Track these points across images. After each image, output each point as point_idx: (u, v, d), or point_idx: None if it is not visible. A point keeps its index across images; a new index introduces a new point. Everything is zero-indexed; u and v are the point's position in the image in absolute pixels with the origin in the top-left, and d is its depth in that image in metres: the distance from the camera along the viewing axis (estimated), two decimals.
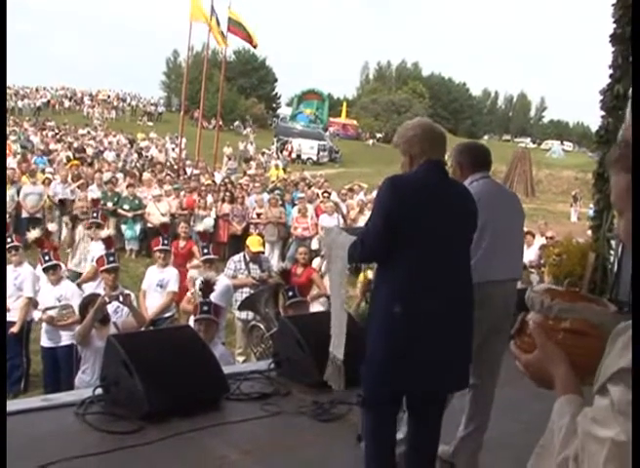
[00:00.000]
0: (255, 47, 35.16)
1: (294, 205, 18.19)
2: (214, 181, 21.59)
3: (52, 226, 10.42)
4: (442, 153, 4.11)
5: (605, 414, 1.34)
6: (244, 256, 10.05)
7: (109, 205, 16.81)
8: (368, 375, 3.96)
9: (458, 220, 3.98)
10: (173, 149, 39.26)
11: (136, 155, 34.01)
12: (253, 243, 10.28)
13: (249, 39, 33.46)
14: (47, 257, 8.64)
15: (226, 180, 22.58)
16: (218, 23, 32.03)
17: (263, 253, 11.25)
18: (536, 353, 1.69)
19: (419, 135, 4.02)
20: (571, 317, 1.69)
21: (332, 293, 4.74)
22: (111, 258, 8.31)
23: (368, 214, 16.47)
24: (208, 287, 7.65)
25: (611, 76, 9.45)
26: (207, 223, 15.44)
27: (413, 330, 3.80)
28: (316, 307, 9.75)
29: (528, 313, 1.80)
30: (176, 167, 28.32)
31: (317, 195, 19.58)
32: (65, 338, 8.31)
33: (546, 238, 13.83)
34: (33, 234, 9.36)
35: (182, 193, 18.52)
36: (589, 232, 10.36)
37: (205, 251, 9.69)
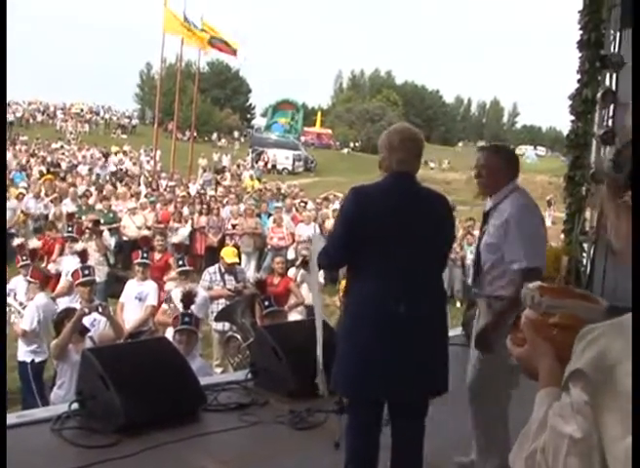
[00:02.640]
0: (235, 52, 35.04)
1: (269, 215, 18.22)
2: (188, 193, 21.59)
3: (34, 243, 10.50)
4: (414, 160, 4.09)
5: (567, 411, 1.39)
6: (219, 268, 10.05)
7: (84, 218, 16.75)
8: (338, 379, 4.01)
9: (429, 232, 3.99)
10: (147, 162, 39.16)
11: (110, 168, 33.88)
12: (227, 254, 10.28)
13: (227, 49, 33.47)
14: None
15: (201, 192, 22.60)
16: (200, 31, 32.01)
17: (239, 264, 11.26)
18: (525, 347, 1.73)
19: (393, 142, 4.03)
20: (560, 312, 1.73)
21: (314, 302, 4.81)
22: (87, 272, 8.30)
23: None
24: (189, 298, 7.66)
25: (579, 81, 9.55)
26: (181, 234, 15.45)
27: (376, 338, 3.84)
28: (294, 316, 9.76)
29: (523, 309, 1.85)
30: (150, 179, 28.25)
31: (295, 205, 19.66)
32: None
33: None
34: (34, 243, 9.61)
35: (158, 206, 18.50)
36: (562, 235, 10.45)
37: (180, 262, 9.71)
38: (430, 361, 3.95)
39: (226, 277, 9.90)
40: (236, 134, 70.35)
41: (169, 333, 7.63)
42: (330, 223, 17.32)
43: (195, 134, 42.76)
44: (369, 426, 4.05)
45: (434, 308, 4.04)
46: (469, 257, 16.36)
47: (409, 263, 3.90)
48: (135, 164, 37.50)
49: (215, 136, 65.85)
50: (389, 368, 3.83)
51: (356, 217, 3.90)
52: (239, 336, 8.39)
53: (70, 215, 14.84)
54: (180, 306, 7.89)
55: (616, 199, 1.46)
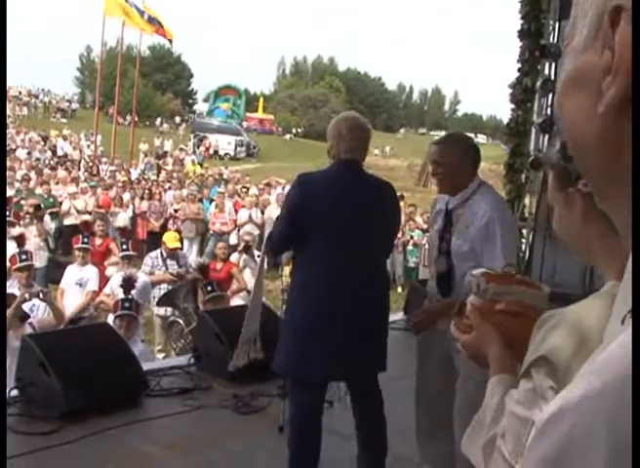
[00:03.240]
0: (170, 41, 34.75)
1: (211, 201, 18.14)
2: (129, 178, 21.38)
3: None
4: (361, 148, 4.16)
5: (528, 397, 1.41)
6: (161, 253, 9.98)
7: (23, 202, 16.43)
8: (281, 359, 4.07)
9: (376, 220, 4.08)
10: (88, 146, 38.57)
11: (49, 152, 33.31)
12: (169, 239, 10.22)
13: (164, 33, 33.13)
14: None
15: (143, 177, 22.39)
16: (141, 14, 31.56)
17: (181, 248, 11.19)
18: (473, 334, 1.75)
19: (341, 130, 4.08)
20: (505, 299, 1.75)
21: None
22: (24, 256, 8.18)
23: None
24: (129, 283, 7.61)
25: (519, 70, 9.69)
26: (123, 218, 15.31)
27: (315, 323, 3.94)
28: (236, 301, 9.74)
29: (467, 296, 1.86)
30: (91, 164, 27.85)
31: (237, 191, 19.63)
32: None
33: None
34: None
35: (99, 190, 18.27)
36: None
37: (124, 247, 9.69)
38: (371, 342, 4.03)
39: (168, 262, 9.84)
40: (177, 119, 69.60)
41: (110, 319, 7.58)
42: (271, 209, 17.33)
43: (136, 118, 42.26)
44: (311, 407, 4.12)
45: (378, 292, 4.14)
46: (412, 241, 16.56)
47: (355, 249, 3.97)
48: (75, 148, 36.90)
49: (158, 120, 65.11)
50: (332, 348, 3.92)
51: (300, 205, 3.96)
52: (181, 321, 8.37)
53: (8, 199, 14.55)
54: (120, 291, 7.85)
55: (565, 188, 1.48)
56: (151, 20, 31.78)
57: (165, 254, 9.91)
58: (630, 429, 0.49)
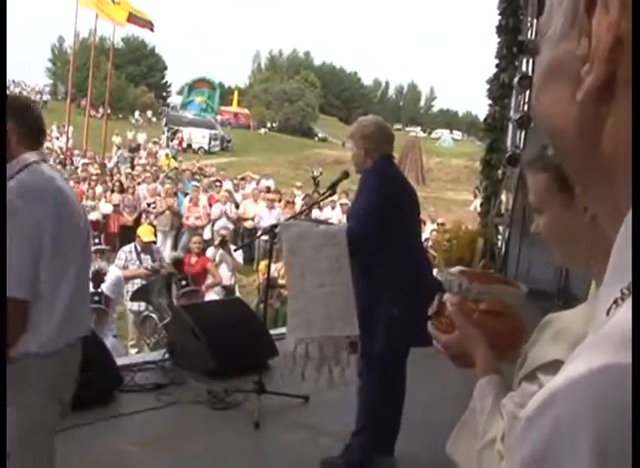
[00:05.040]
0: (152, 29, 34.46)
1: (186, 194, 18.04)
2: (102, 171, 21.23)
3: None
4: (392, 149, 4.66)
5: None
6: (135, 247, 9.87)
7: None
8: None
9: (416, 208, 4.74)
10: (57, 138, 38.22)
11: None
12: (144, 232, 10.11)
13: (144, 23, 32.92)
14: None
15: (115, 170, 22.23)
16: (115, 3, 31.28)
17: (155, 242, 11.10)
18: (456, 334, 1.72)
19: (375, 131, 4.43)
20: (487, 299, 1.73)
21: (305, 282, 4.68)
22: None
23: (262, 203, 16.44)
24: (98, 277, 7.54)
25: (497, 66, 9.72)
26: (103, 209, 15.27)
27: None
28: (211, 296, 9.69)
29: (444, 294, 1.83)
30: (63, 156, 27.61)
31: (211, 184, 19.54)
32: None
33: (437, 224, 14.18)
34: None
35: (71, 183, 18.12)
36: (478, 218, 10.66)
37: (96, 240, 9.59)
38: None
39: (142, 256, 9.73)
40: (149, 113, 69.25)
41: None
42: (246, 204, 17.29)
43: (109, 111, 41.99)
44: None
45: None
46: None
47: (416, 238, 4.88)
48: (46, 140, 36.61)
49: (137, 113, 64.78)
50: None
51: (389, 194, 4.45)
52: (155, 316, 8.29)
53: None
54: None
55: (565, 190, 1.46)
56: (129, 13, 31.49)
57: (139, 249, 9.80)
58: (616, 417, 0.47)
